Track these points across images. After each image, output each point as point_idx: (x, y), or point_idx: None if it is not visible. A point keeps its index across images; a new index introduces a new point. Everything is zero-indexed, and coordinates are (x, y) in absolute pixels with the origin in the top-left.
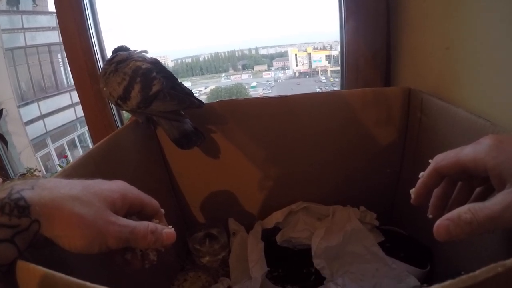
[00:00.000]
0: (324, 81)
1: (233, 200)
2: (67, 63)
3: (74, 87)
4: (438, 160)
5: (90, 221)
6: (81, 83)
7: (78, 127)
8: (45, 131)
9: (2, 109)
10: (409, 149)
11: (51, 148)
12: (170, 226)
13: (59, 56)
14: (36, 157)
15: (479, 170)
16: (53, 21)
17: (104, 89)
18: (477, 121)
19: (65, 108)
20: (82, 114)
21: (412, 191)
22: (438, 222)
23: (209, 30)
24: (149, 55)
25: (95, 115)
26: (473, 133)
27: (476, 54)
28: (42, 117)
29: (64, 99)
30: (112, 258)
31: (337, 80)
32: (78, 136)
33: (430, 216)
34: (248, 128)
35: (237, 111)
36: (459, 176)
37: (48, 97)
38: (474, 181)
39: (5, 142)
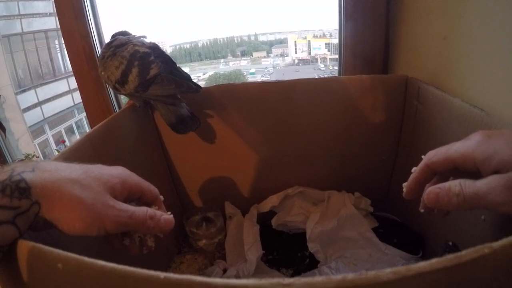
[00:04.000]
0: (323, 69)
1: (230, 184)
2: (65, 49)
3: (71, 73)
4: (430, 156)
5: (89, 204)
6: (78, 68)
7: (76, 113)
8: (42, 118)
9: (0, 95)
10: (404, 137)
11: (49, 134)
12: (169, 213)
13: (56, 42)
14: (34, 144)
15: (468, 165)
16: (49, 7)
17: (103, 73)
18: (472, 111)
19: (62, 94)
20: (80, 100)
21: (404, 185)
22: (429, 189)
23: (208, 16)
24: (147, 40)
25: (93, 100)
26: (468, 122)
27: (473, 45)
28: (40, 103)
29: (61, 86)
30: (110, 242)
31: (336, 68)
32: (76, 122)
33: (422, 210)
34: (246, 113)
35: (234, 95)
36: (450, 172)
37: (45, 83)
38: (464, 177)
39: (3, 129)
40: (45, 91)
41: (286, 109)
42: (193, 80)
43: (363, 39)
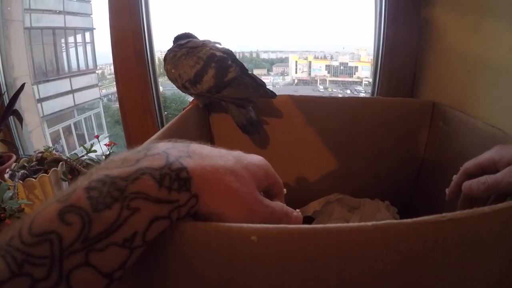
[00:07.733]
0: (322, 90)
1: None
2: (71, 49)
3: (74, 73)
4: (466, 164)
5: (244, 199)
6: (124, 64)
7: (75, 114)
8: (42, 115)
9: (24, 83)
10: (429, 153)
11: (47, 132)
12: (298, 210)
13: (63, 40)
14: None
15: (491, 166)
16: (60, 5)
17: (173, 71)
18: (491, 130)
19: (63, 94)
20: (80, 101)
21: (447, 189)
22: (465, 182)
23: (210, 30)
24: (221, 46)
25: (135, 97)
26: (488, 140)
27: (493, 77)
28: (40, 100)
29: (64, 85)
30: None
31: (335, 90)
32: (74, 124)
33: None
34: (297, 122)
35: (291, 105)
36: (480, 175)
37: (47, 81)
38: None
39: (20, 120)
40: (47, 88)
41: (335, 122)
42: (267, 87)
43: (397, 67)
